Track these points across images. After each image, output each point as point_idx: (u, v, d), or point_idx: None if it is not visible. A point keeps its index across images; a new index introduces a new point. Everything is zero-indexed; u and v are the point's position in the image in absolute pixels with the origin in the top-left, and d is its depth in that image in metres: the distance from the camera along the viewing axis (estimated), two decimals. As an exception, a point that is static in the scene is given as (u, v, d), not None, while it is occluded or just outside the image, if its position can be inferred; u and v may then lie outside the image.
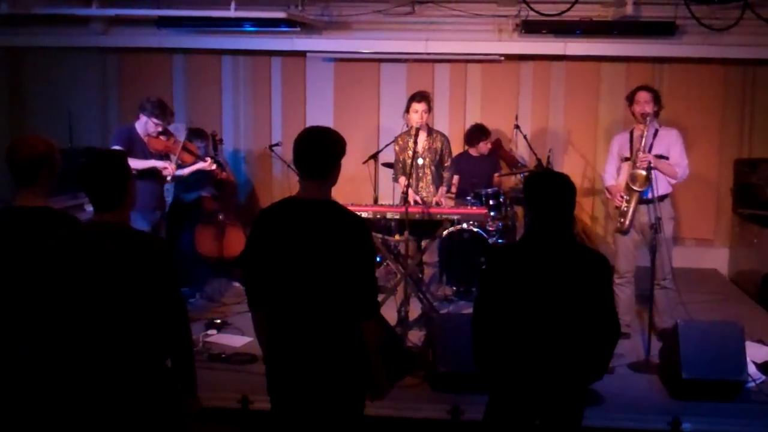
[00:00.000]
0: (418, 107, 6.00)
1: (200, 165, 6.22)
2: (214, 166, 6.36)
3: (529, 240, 3.23)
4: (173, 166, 5.82)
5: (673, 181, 5.66)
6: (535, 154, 7.31)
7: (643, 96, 5.60)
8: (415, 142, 6.10)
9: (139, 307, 2.87)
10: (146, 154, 5.73)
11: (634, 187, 5.50)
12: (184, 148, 6.07)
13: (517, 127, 7.62)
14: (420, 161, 6.17)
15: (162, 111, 5.74)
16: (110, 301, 2.84)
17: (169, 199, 6.98)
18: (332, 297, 2.96)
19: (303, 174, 3.04)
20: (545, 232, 3.13)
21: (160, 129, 5.81)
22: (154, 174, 5.72)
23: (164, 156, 5.98)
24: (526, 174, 7.34)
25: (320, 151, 3.03)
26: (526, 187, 3.24)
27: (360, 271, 2.98)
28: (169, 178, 5.90)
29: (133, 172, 5.34)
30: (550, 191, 3.13)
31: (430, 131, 6.26)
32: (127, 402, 2.88)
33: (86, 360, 2.88)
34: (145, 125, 5.74)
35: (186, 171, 6.17)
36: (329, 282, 2.95)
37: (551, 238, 3.13)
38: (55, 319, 2.90)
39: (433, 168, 6.20)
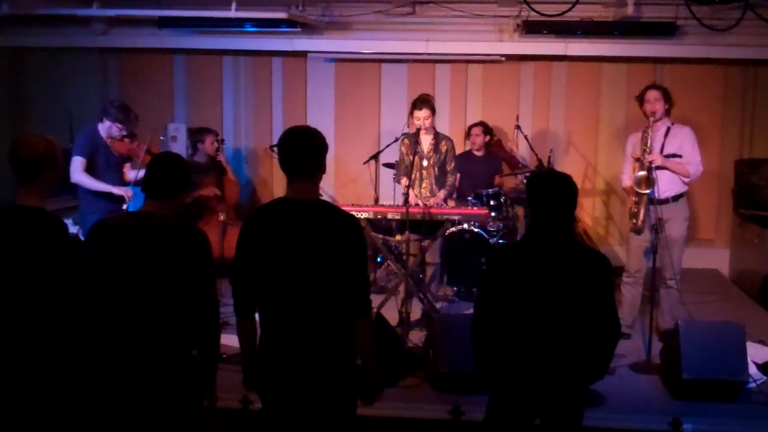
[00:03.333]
0: (420, 115, 6.00)
1: None
2: None
3: (530, 239, 3.23)
4: (130, 193, 5.76)
5: (687, 180, 5.62)
6: (536, 155, 7.31)
7: (652, 95, 5.56)
8: (417, 143, 6.10)
9: (175, 295, 2.97)
10: (108, 158, 5.71)
11: (639, 190, 5.49)
12: (148, 152, 6.05)
13: (518, 127, 7.63)
14: (425, 162, 6.18)
15: (125, 115, 5.73)
16: (148, 287, 2.95)
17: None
18: (325, 296, 2.95)
19: (293, 174, 3.04)
20: (546, 232, 3.14)
21: (124, 133, 5.80)
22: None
23: (126, 159, 5.99)
24: (528, 174, 7.36)
25: (309, 151, 3.03)
26: (529, 186, 3.24)
27: (352, 270, 2.98)
28: (125, 205, 5.85)
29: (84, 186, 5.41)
30: (551, 191, 3.13)
31: (437, 134, 6.27)
32: (157, 389, 2.97)
33: (121, 343, 2.98)
34: (108, 129, 5.74)
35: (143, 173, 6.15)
36: (322, 281, 2.94)
37: (552, 238, 3.13)
38: (97, 299, 3.02)
39: (436, 169, 6.20)
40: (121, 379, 2.97)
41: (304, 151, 3.02)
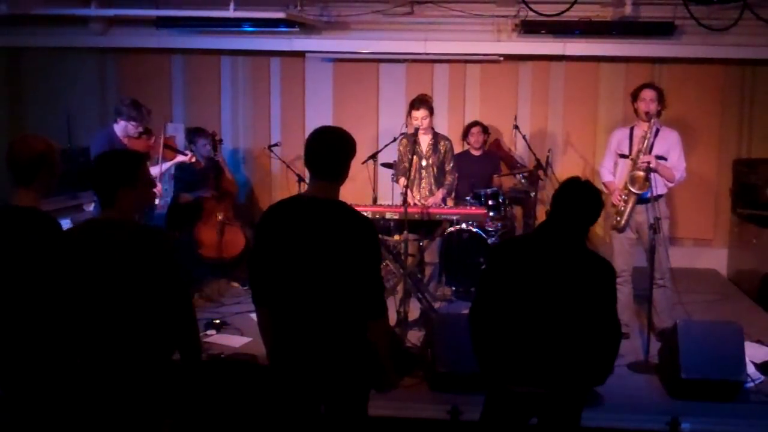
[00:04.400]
0: (418, 114, 6.02)
1: (180, 158, 6.27)
2: (194, 159, 6.40)
3: (537, 236, 3.22)
4: (160, 188, 5.89)
5: (670, 185, 5.65)
6: (534, 155, 7.31)
7: (648, 94, 5.57)
8: (415, 143, 6.10)
9: (145, 300, 2.90)
10: None
11: (633, 189, 5.49)
12: (166, 146, 6.10)
13: (516, 127, 7.64)
14: (424, 162, 6.18)
15: (138, 112, 5.75)
16: (117, 293, 2.88)
17: (168, 199, 6.98)
18: (338, 296, 2.97)
19: (315, 174, 3.04)
20: (556, 233, 3.14)
21: (140, 130, 5.82)
22: None
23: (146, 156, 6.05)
24: (526, 174, 7.37)
25: (335, 153, 3.02)
26: (562, 188, 3.20)
27: (367, 271, 2.99)
28: (157, 201, 5.91)
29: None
30: (581, 201, 3.12)
31: (435, 134, 6.27)
32: (134, 396, 2.92)
33: (94, 354, 2.92)
34: (124, 129, 5.75)
35: (166, 166, 6.19)
36: (335, 281, 2.96)
37: (560, 239, 3.13)
38: (63, 311, 2.95)
39: (435, 169, 6.20)
40: (101, 386, 2.92)
41: (331, 153, 3.02)
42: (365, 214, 5.50)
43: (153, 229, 3.09)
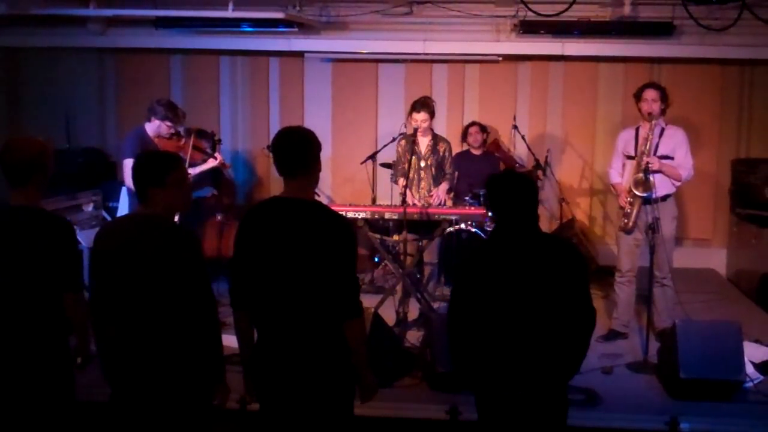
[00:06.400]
0: (418, 117, 6.01)
1: (211, 163, 6.21)
2: (223, 162, 6.35)
3: (497, 239, 3.22)
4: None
5: (677, 183, 5.64)
6: (533, 155, 7.32)
7: (650, 94, 5.56)
8: (415, 143, 6.10)
9: (170, 294, 2.97)
10: None
11: (637, 192, 5.49)
12: (195, 148, 6.05)
13: (515, 127, 7.64)
14: (422, 163, 6.18)
15: (174, 113, 5.71)
16: (144, 283, 2.95)
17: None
18: (316, 296, 2.98)
19: (287, 174, 3.07)
20: (511, 230, 3.15)
21: (173, 131, 5.77)
22: None
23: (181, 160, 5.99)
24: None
25: (297, 150, 3.06)
26: (489, 188, 3.24)
27: (343, 271, 3.00)
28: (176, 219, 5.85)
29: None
30: (513, 191, 3.15)
31: (434, 135, 6.27)
32: (169, 389, 2.99)
33: (126, 344, 2.99)
34: (157, 128, 5.68)
35: (197, 170, 6.11)
36: (312, 281, 2.97)
37: (518, 235, 3.14)
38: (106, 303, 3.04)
39: (434, 170, 6.20)
40: (134, 380, 2.99)
41: (292, 151, 3.05)
42: (364, 214, 5.64)
43: (183, 228, 3.16)
